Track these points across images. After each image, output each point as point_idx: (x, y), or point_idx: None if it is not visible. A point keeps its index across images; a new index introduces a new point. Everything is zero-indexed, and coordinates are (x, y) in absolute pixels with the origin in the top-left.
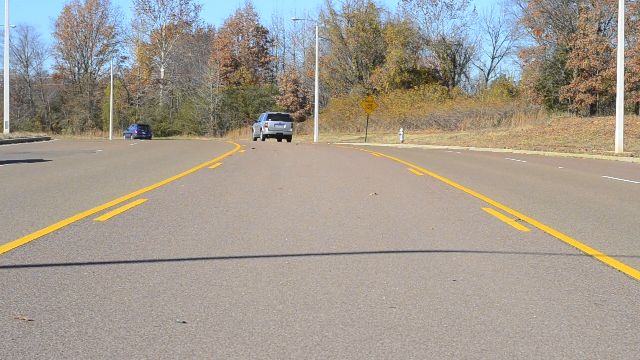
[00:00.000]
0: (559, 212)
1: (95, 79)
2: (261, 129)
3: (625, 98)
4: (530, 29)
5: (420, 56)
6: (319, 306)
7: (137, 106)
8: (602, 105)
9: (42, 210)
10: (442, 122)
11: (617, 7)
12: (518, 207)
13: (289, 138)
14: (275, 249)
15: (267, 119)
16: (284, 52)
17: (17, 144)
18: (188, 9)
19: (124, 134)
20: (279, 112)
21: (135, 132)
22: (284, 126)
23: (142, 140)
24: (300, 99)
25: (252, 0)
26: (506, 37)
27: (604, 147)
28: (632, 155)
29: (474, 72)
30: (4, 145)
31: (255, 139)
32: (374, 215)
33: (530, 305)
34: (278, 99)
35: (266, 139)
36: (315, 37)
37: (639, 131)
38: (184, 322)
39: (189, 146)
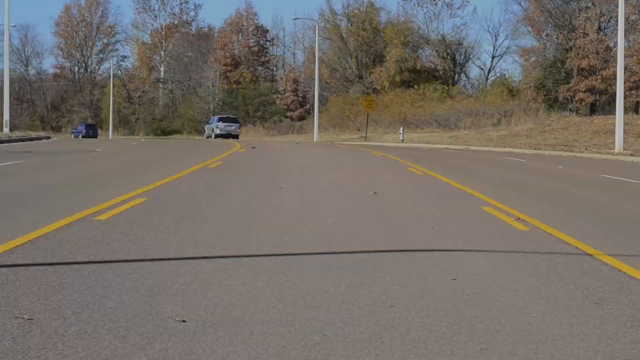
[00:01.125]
0: (559, 211)
1: (95, 78)
2: (213, 129)
3: (625, 97)
4: (530, 28)
5: (420, 55)
6: (318, 305)
7: (137, 105)
8: (602, 104)
9: (42, 209)
10: (442, 121)
11: (617, 7)
12: (518, 207)
13: (237, 137)
14: (275, 248)
15: (218, 122)
16: (284, 51)
17: (17, 143)
18: (188, 8)
19: (72, 132)
20: (228, 116)
21: (84, 131)
22: (233, 127)
23: (142, 140)
24: (300, 98)
25: None
26: (506, 36)
27: (604, 146)
28: (632, 155)
29: (474, 72)
30: (4, 144)
31: (207, 137)
32: (374, 214)
33: (530, 304)
34: (278, 98)
35: (217, 138)
36: (315, 36)
37: (639, 130)
38: (183, 321)
39: (189, 145)
